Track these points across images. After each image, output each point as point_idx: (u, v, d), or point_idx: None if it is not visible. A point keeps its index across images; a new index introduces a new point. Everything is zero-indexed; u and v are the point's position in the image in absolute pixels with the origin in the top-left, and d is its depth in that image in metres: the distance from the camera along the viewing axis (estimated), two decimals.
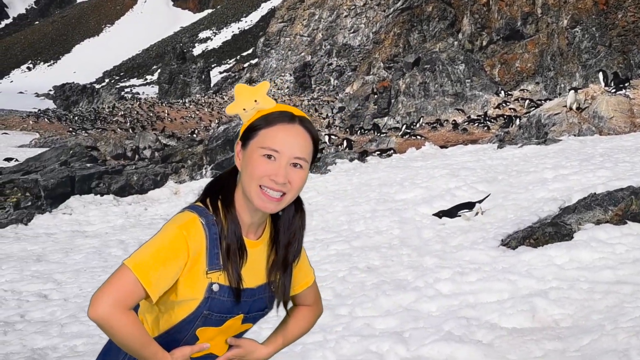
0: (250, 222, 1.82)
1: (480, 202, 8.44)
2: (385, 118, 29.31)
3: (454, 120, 24.19)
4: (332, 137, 22.60)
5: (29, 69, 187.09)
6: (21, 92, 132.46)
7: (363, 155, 15.32)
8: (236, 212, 1.79)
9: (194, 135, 31.30)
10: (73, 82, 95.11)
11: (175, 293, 1.75)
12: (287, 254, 1.89)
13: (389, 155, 15.25)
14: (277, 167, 1.73)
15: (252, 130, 1.78)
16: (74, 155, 16.27)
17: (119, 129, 42.32)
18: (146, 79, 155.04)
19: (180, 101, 63.86)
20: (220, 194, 1.81)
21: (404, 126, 24.33)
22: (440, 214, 8.55)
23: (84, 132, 41.17)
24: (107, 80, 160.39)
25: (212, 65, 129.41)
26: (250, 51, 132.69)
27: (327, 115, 36.36)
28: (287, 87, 54.08)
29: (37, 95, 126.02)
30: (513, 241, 6.66)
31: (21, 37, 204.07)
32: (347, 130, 27.79)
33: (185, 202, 12.13)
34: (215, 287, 1.76)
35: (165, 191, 13.84)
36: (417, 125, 25.53)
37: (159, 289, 1.70)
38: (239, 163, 1.80)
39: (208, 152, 15.74)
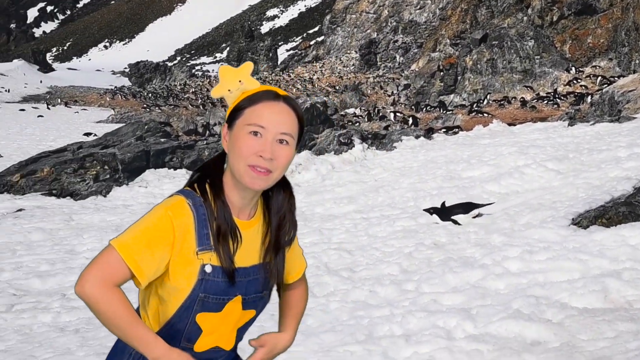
0: (241, 203, 1.80)
1: (480, 206, 7.82)
2: (452, 95, 28.82)
3: (522, 97, 23.59)
4: (398, 114, 22.39)
5: (105, 47, 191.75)
6: (98, 70, 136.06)
7: (429, 133, 15.13)
8: (225, 196, 1.78)
9: None
10: (147, 60, 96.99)
11: (168, 276, 1.73)
12: (279, 236, 1.87)
13: (455, 133, 15.00)
14: (264, 143, 1.73)
15: (237, 110, 1.78)
16: (148, 131, 16.64)
17: (190, 106, 43.01)
18: (215, 57, 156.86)
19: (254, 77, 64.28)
20: (208, 179, 1.80)
21: (475, 103, 23.88)
22: (431, 211, 7.90)
23: (157, 108, 42.02)
24: (178, 58, 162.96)
25: (279, 43, 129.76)
26: (316, 29, 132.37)
27: (392, 92, 36.03)
28: (353, 65, 53.78)
29: (114, 72, 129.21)
30: (584, 220, 6.47)
31: (98, 17, 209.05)
32: (413, 107, 27.48)
33: None
34: (208, 269, 1.73)
35: None
36: (484, 102, 25.02)
37: (144, 269, 1.68)
38: (225, 145, 1.79)
39: None
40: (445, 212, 7.75)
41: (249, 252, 1.81)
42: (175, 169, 13.76)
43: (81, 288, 1.64)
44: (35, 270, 7.14)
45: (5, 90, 64.89)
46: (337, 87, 40.92)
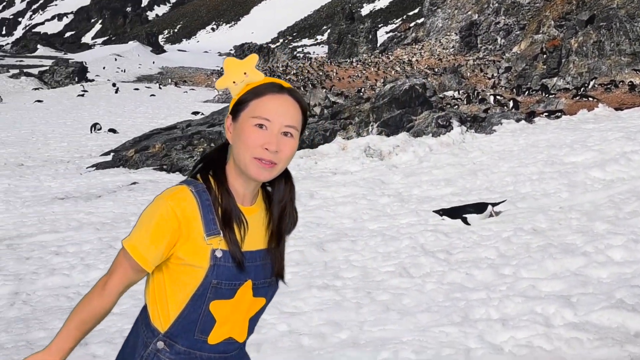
0: (244, 192, 1.80)
1: (494, 204, 7.57)
2: (555, 79, 27.70)
3: (631, 81, 22.37)
4: (498, 97, 21.77)
5: (212, 30, 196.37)
6: (206, 52, 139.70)
7: (530, 116, 14.64)
8: (228, 184, 1.78)
9: (361, 94, 31.51)
10: (251, 42, 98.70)
11: (180, 264, 1.74)
12: (280, 226, 1.87)
13: (558, 117, 14.44)
14: (269, 135, 1.72)
15: (242, 102, 1.76)
16: None
17: None
18: (316, 39, 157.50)
19: (348, 60, 64.34)
20: (211, 169, 1.79)
21: (579, 87, 22.88)
22: (441, 212, 7.67)
23: None
24: (281, 40, 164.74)
25: (379, 25, 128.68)
26: (416, 11, 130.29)
27: (492, 75, 35.05)
28: (452, 47, 52.67)
29: (220, 54, 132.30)
30: None
31: (207, 0, 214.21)
32: (514, 90, 26.62)
33: (352, 158, 12.31)
34: (218, 254, 1.73)
35: (333, 146, 14.08)
36: (589, 86, 23.93)
37: (153, 262, 1.73)
38: (229, 136, 1.78)
39: (375, 109, 15.76)
40: (455, 213, 7.53)
41: (253, 236, 1.81)
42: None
43: (107, 288, 1.74)
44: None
45: (122, 71, 67.74)
46: (436, 70, 40.23)
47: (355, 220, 7.98)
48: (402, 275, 5.81)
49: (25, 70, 56.71)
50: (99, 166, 13.54)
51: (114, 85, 46.51)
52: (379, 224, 7.77)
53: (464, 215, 7.43)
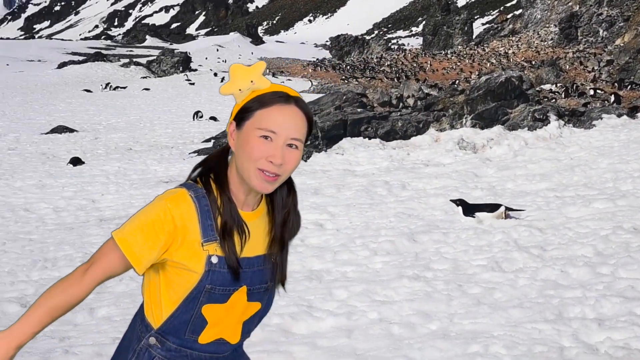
0: (245, 198, 1.75)
1: (509, 209, 7.38)
2: None
3: None
4: (598, 91, 20.83)
5: (309, 21, 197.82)
6: (302, 43, 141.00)
7: (633, 111, 13.92)
8: (230, 191, 1.72)
9: (456, 86, 30.95)
10: (346, 34, 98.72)
11: (175, 267, 1.70)
12: (283, 232, 1.81)
13: None
14: (274, 148, 1.65)
15: (247, 111, 1.69)
16: (346, 101, 16.99)
17: (385, 78, 43.26)
18: (411, 31, 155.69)
19: (443, 52, 63.26)
20: (212, 173, 1.73)
21: None
22: (457, 202, 7.57)
23: (354, 80, 42.76)
24: (376, 32, 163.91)
25: (475, 17, 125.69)
26: (514, 2, 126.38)
27: (592, 68, 33.52)
28: (551, 39, 50.73)
29: (316, 45, 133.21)
30: None
31: None
32: (615, 84, 25.39)
33: (445, 150, 12.12)
34: (214, 260, 1.69)
35: (426, 138, 13.91)
36: None
37: (143, 261, 1.67)
38: (232, 143, 1.72)
39: (469, 101, 15.44)
40: (470, 208, 7.41)
41: (254, 242, 1.76)
42: (370, 138, 13.94)
43: (87, 276, 1.68)
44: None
45: (222, 61, 69.42)
46: (534, 62, 38.92)
47: (447, 213, 7.87)
48: (494, 269, 5.69)
49: (134, 59, 59.13)
50: (200, 152, 13.96)
51: (215, 74, 47.72)
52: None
53: (476, 213, 7.32)
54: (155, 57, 58.06)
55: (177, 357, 1.77)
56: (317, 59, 75.62)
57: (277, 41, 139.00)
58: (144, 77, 48.16)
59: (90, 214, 8.79)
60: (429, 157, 11.91)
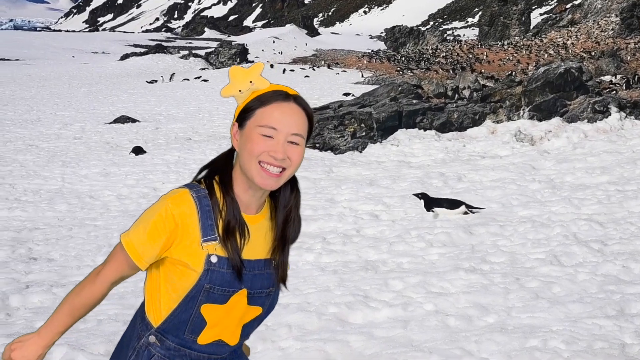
0: (249, 200, 1.75)
1: (469, 207, 7.36)
2: None
3: None
4: None
5: (365, 12, 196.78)
6: (357, 34, 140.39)
7: None
8: (234, 192, 1.73)
9: (513, 77, 30.29)
10: (402, 25, 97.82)
11: (175, 266, 1.72)
12: (285, 231, 1.80)
13: None
14: (276, 144, 1.67)
15: (248, 111, 1.71)
16: (401, 92, 16.84)
17: (440, 70, 42.71)
18: (467, 22, 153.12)
19: (499, 43, 61.99)
20: (218, 175, 1.75)
21: None
22: (420, 196, 7.58)
23: (409, 71, 42.36)
24: (431, 23, 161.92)
25: (533, 7, 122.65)
26: None
27: None
28: (612, 29, 49.10)
29: (371, 37, 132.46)
30: None
31: None
32: None
33: (502, 142, 11.89)
34: (213, 259, 1.69)
35: (482, 130, 13.68)
36: None
37: (146, 260, 1.72)
38: (236, 144, 1.73)
39: (527, 93, 15.09)
40: (430, 202, 7.39)
41: (255, 246, 1.76)
42: (425, 129, 13.80)
43: (99, 278, 1.77)
44: (301, 214, 7.67)
45: (279, 53, 69.76)
46: (593, 53, 37.76)
47: (504, 205, 7.73)
48: (553, 263, 5.56)
49: (193, 51, 60.00)
50: None
51: (271, 66, 48.02)
52: (528, 210, 7.47)
53: (435, 208, 7.28)
54: (213, 49, 58.81)
55: (176, 356, 1.77)
56: (372, 51, 75.17)
57: (332, 33, 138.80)
58: (202, 69, 48.84)
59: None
60: (485, 149, 11.71)
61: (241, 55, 54.83)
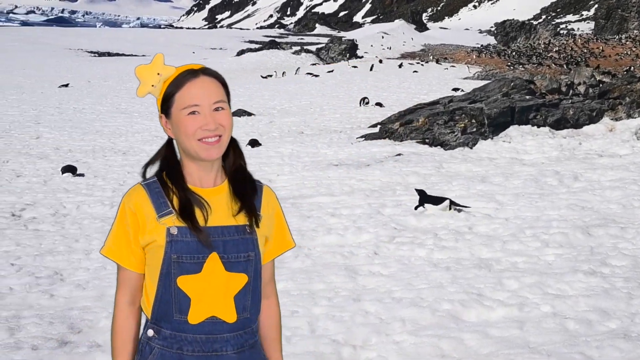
0: (201, 174, 1.81)
1: (453, 203, 7.44)
2: None
3: None
4: None
5: (474, 7, 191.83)
6: (467, 29, 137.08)
7: None
8: (180, 172, 1.81)
9: (632, 72, 28.52)
10: (512, 19, 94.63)
11: (145, 251, 1.79)
12: (236, 186, 1.84)
13: None
14: (204, 117, 1.74)
15: (167, 99, 1.78)
16: (514, 88, 16.29)
17: (553, 65, 40.96)
18: (582, 15, 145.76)
19: (616, 37, 58.62)
20: (160, 165, 1.83)
21: None
22: (417, 190, 7.76)
23: (520, 66, 40.92)
24: (543, 17, 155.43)
25: None
26: None
27: None
28: None
29: (480, 31, 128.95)
30: None
31: None
32: None
33: (621, 140, 11.23)
34: (173, 230, 1.75)
35: (600, 127, 12.98)
36: None
37: (125, 257, 1.79)
38: (170, 133, 1.81)
39: None
40: (423, 199, 7.58)
41: (219, 213, 1.79)
42: (538, 126, 13.26)
43: (117, 302, 1.83)
44: (412, 209, 7.60)
45: (387, 48, 69.41)
46: None
47: (624, 207, 7.30)
48: None
49: (305, 47, 60.82)
50: (367, 137, 14.08)
51: (380, 61, 47.84)
52: None
53: (425, 204, 7.50)
54: (324, 45, 59.35)
55: (173, 344, 1.77)
56: (482, 45, 73.23)
57: (441, 27, 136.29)
58: (313, 64, 49.43)
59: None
60: (602, 148, 11.12)
61: (351, 50, 55.01)
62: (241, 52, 58.39)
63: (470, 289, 4.98)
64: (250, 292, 1.81)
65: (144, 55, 61.34)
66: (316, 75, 36.75)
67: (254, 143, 13.68)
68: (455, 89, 24.93)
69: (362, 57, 54.70)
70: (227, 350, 1.78)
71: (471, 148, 11.96)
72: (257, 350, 1.86)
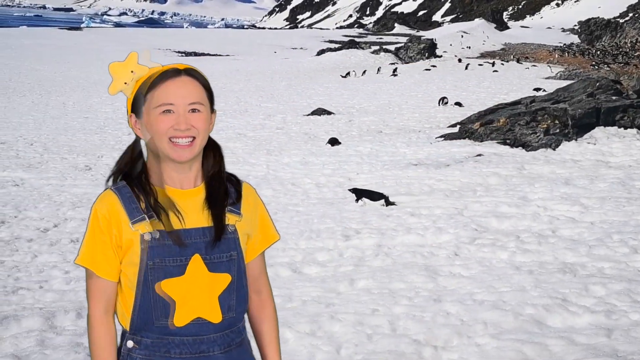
0: (179, 176, 1.75)
1: (385, 198, 8.12)
2: None
3: None
4: None
5: (557, 5, 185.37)
6: (549, 28, 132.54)
7: None
8: (149, 175, 1.75)
9: None
10: (597, 17, 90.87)
11: (121, 260, 1.73)
12: (209, 195, 1.77)
13: None
14: (177, 117, 1.69)
15: (139, 98, 1.73)
16: (599, 88, 15.63)
17: None
18: None
19: None
20: (127, 169, 1.76)
21: None
22: (352, 189, 8.54)
23: (605, 66, 39.23)
24: (630, 15, 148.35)
25: None
26: None
27: None
28: None
29: (563, 30, 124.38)
30: None
31: None
32: None
33: None
34: (147, 237, 1.69)
35: None
36: None
37: (100, 264, 1.72)
38: (139, 133, 1.75)
39: None
40: (358, 194, 8.32)
41: (196, 215, 1.74)
42: (625, 128, 12.67)
43: (90, 312, 1.75)
44: (493, 211, 7.44)
45: (467, 47, 68.10)
46: None
47: None
48: None
49: (383, 46, 60.50)
50: (446, 137, 13.86)
51: (459, 60, 46.98)
52: None
53: (363, 198, 8.24)
54: (402, 44, 58.87)
55: (157, 351, 1.72)
56: (564, 44, 70.70)
57: (521, 26, 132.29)
58: (392, 63, 49.09)
59: (347, 191, 9.20)
60: None
61: (430, 49, 54.28)
62: (321, 52, 58.70)
63: (554, 293, 4.83)
64: (235, 291, 1.79)
65: (227, 55, 62.69)
66: (395, 75, 36.51)
67: (333, 142, 13.73)
68: (537, 89, 24.17)
69: (441, 56, 53.84)
70: (214, 350, 1.76)
71: (554, 149, 11.57)
72: (244, 349, 1.84)
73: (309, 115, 19.43)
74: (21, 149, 13.54)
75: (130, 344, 1.75)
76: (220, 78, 34.59)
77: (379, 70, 38.73)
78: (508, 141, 12.72)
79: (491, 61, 46.23)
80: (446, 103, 20.78)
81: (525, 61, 49.70)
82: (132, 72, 1.75)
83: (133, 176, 1.76)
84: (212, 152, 1.82)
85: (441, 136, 13.99)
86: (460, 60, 47.16)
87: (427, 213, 7.53)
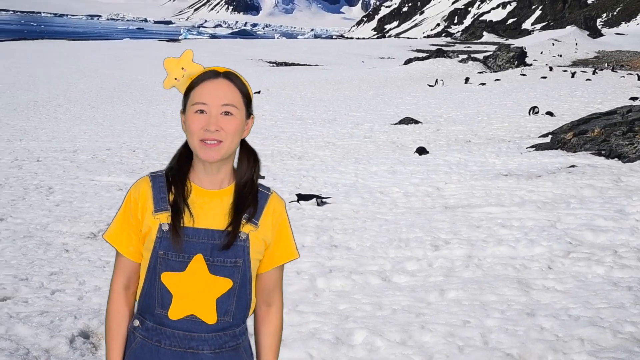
0: (207, 175, 1.78)
1: (319, 197, 9.00)
2: None
3: None
4: None
5: None
6: None
7: None
8: (188, 172, 1.79)
9: None
10: None
11: (142, 241, 1.79)
12: (237, 200, 1.78)
13: None
14: (208, 117, 1.71)
15: (186, 95, 1.77)
16: None
17: None
18: None
19: None
20: (174, 160, 1.81)
21: None
22: (297, 195, 9.11)
23: None
24: None
25: None
26: None
27: None
28: None
29: None
30: None
31: None
32: None
33: None
34: (164, 227, 1.74)
35: None
36: None
37: (124, 242, 1.79)
38: (184, 128, 1.78)
39: None
40: (299, 198, 8.96)
41: (214, 217, 1.76)
42: None
43: (112, 286, 1.83)
44: (588, 224, 7.14)
45: (558, 55, 65.80)
46: None
47: None
48: None
49: (471, 55, 59.35)
50: (537, 147, 13.43)
51: (550, 69, 45.39)
52: None
53: (300, 200, 8.91)
54: (491, 53, 57.55)
55: (153, 335, 1.77)
56: None
57: (616, 33, 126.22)
58: (480, 72, 48.09)
59: (435, 200, 9.10)
60: None
61: (519, 58, 52.74)
62: (408, 61, 58.26)
63: None
64: (235, 297, 1.79)
65: (317, 65, 63.38)
66: (483, 84, 35.73)
67: (421, 151, 13.60)
68: (634, 98, 23.00)
69: (531, 64, 52.22)
70: (203, 349, 1.77)
71: None
72: (238, 354, 1.83)
73: (396, 124, 19.33)
74: (124, 155, 14.24)
75: (136, 322, 1.82)
76: (309, 87, 35.06)
77: (467, 80, 38.00)
78: (603, 152, 12.17)
79: (580, 70, 44.39)
80: (537, 112, 20.13)
81: (620, 69, 47.42)
82: (182, 69, 1.80)
83: (174, 169, 1.83)
84: (246, 157, 1.84)
85: (532, 146, 13.57)
86: (551, 69, 45.57)
87: (519, 225, 7.32)
